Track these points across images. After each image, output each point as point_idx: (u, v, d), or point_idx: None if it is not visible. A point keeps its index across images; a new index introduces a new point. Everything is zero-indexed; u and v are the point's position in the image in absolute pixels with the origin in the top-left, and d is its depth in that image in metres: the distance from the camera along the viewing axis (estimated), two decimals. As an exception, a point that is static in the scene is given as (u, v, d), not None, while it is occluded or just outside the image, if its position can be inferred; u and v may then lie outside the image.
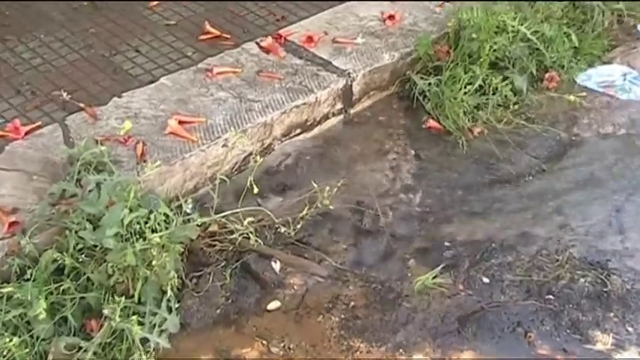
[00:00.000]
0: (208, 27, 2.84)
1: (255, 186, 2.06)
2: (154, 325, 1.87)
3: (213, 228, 2.21)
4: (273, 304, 2.11)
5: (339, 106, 2.73)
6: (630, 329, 2.03)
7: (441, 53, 2.86)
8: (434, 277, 2.14)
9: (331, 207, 2.22)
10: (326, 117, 2.72)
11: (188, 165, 2.36)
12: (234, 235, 2.14)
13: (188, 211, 2.02)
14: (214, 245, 2.20)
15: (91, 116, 2.43)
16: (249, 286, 2.15)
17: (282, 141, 2.61)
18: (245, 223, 2.07)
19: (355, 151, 2.64)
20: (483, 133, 2.68)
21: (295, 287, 2.15)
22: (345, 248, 2.29)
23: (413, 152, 2.66)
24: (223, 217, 2.12)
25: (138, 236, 1.90)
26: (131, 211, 1.90)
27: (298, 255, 2.24)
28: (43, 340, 1.81)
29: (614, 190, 2.46)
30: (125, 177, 2.06)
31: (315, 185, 2.19)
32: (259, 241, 2.12)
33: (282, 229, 2.19)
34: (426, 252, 2.30)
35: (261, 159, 2.27)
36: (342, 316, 2.07)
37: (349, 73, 2.70)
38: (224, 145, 2.40)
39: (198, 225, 2.06)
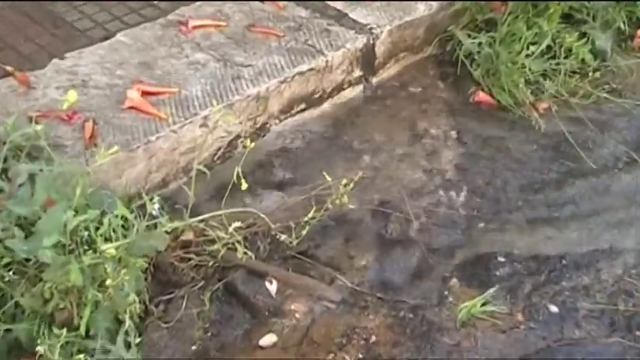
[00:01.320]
0: (182, -37, 2.81)
1: (244, 180, 2.06)
2: (108, 366, 1.85)
3: (188, 236, 2.23)
4: (268, 339, 2.12)
5: (357, 73, 2.74)
6: None
7: (495, 2, 2.88)
8: (483, 304, 2.15)
9: (347, 208, 2.25)
10: (340, 88, 2.73)
11: (154, 151, 2.36)
12: (215, 246, 2.16)
13: (154, 213, 2.06)
14: (189, 259, 2.21)
15: (22, 84, 2.42)
16: (236, 313, 2.16)
17: (280, 120, 2.63)
18: (230, 229, 2.10)
19: (379, 133, 2.66)
20: (551, 109, 2.70)
21: (297, 316, 2.16)
22: (364, 264, 2.30)
23: (455, 135, 2.67)
24: (201, 221, 2.15)
25: (86, 247, 1.90)
26: (77, 213, 1.89)
27: (301, 273, 2.25)
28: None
29: None
30: (69, 166, 2.04)
31: (326, 179, 2.21)
32: (249, 253, 2.14)
33: (281, 238, 2.20)
34: (472, 269, 2.31)
35: (253, 144, 2.26)
36: (360, 355, 2.07)
37: (371, 29, 2.71)
38: (203, 125, 2.41)
39: (167, 232, 2.08)
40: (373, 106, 2.73)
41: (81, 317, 1.90)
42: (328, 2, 2.77)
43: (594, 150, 2.59)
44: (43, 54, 2.48)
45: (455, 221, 2.43)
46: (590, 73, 2.70)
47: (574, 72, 2.73)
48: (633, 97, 2.71)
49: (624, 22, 2.76)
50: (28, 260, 1.89)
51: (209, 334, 2.10)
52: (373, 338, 2.10)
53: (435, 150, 2.63)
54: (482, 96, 2.72)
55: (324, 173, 2.25)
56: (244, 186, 2.08)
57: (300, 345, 2.09)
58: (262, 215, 2.19)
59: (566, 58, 2.69)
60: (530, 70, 2.65)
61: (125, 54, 2.57)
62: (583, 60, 2.70)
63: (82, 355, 1.80)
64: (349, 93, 2.75)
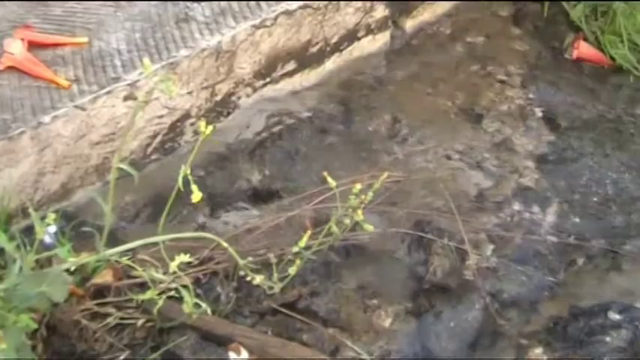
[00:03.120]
0: None
1: (196, 187, 2.00)
2: None
3: (105, 278, 2.25)
4: None
5: (380, 13, 2.76)
6: None
7: None
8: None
9: (363, 232, 2.26)
10: (352, 37, 2.75)
11: (49, 139, 2.35)
12: (148, 294, 2.14)
13: (48, 240, 2.11)
14: (106, 316, 2.21)
15: None
16: (180, 407, 2.16)
17: (254, 89, 2.63)
18: (173, 266, 2.05)
19: (413, 111, 2.66)
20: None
21: (282, 411, 2.14)
22: (389, 325, 2.30)
23: (540, 113, 2.67)
24: (126, 253, 2.17)
25: None
26: None
27: (288, 337, 2.24)
28: None
29: None
30: None
31: (328, 184, 2.19)
32: (203, 305, 2.10)
33: (255, 281, 2.17)
34: (567, 333, 2.29)
35: (210, 128, 2.12)
36: None
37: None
38: (129, 97, 2.41)
39: (70, 272, 2.12)
40: (405, 67, 2.75)
41: None
42: None
43: None
44: None
45: (539, 254, 2.43)
46: None
47: None
48: None
49: None
50: None
51: None
52: None
53: (506, 138, 2.63)
54: (584, 49, 2.74)
55: (325, 175, 2.20)
56: (197, 196, 2.02)
57: None
58: (224, 244, 2.13)
59: None
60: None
61: (3, -19, 2.60)
62: None
63: None
64: (368, 45, 2.77)
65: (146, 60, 2.14)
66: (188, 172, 2.02)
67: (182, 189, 2.03)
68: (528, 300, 2.35)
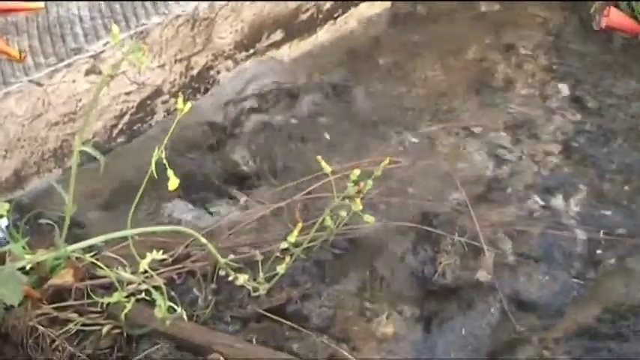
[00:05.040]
0: None
1: (171, 172, 1.98)
2: None
3: (65, 278, 2.18)
4: None
5: None
6: None
7: None
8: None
9: (363, 225, 2.25)
10: (347, 2, 2.77)
11: None
12: (115, 297, 2.08)
13: None
14: (66, 322, 2.14)
15: None
16: None
17: (236, 62, 2.64)
18: (144, 265, 1.99)
19: (420, 86, 2.63)
20: None
21: None
22: (393, 331, 2.22)
23: (566, 89, 2.63)
24: (89, 249, 2.13)
25: None
26: None
27: (276, 346, 2.18)
28: None
29: None
30: None
31: (322, 169, 2.14)
32: (178, 310, 2.04)
33: (238, 281, 2.12)
34: (597, 342, 2.22)
35: (186, 106, 2.06)
36: None
37: None
38: (92, 71, 2.37)
39: (24, 271, 2.05)
40: (409, 38, 2.75)
41: None
42: None
43: None
44: None
45: (563, 251, 2.38)
46: None
47: None
48: None
49: None
50: None
51: None
52: None
53: (525, 119, 2.61)
54: (615, 17, 2.72)
55: (319, 159, 2.15)
56: (173, 183, 1.99)
57: None
58: (203, 239, 2.08)
59: None
60: None
61: None
62: None
63: None
64: (366, 12, 2.79)
65: (114, 27, 2.08)
66: (162, 155, 1.96)
67: (155, 176, 1.97)
68: (552, 304, 2.30)
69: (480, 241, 2.34)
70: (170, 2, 2.53)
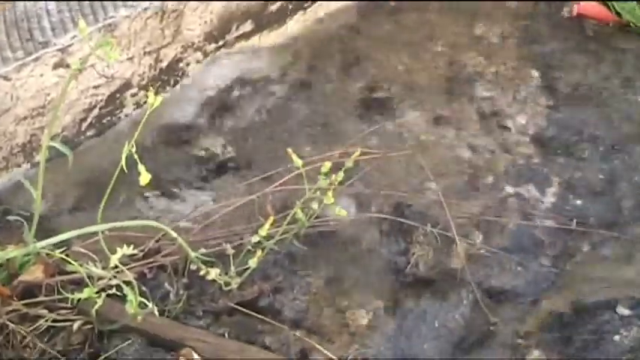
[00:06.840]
0: None
1: (142, 167, 1.99)
2: None
3: (35, 274, 2.20)
4: None
5: None
6: None
7: None
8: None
9: (335, 217, 2.28)
10: None
11: None
12: (85, 292, 2.06)
13: None
14: (36, 318, 2.16)
15: None
16: None
17: (205, 54, 2.62)
18: (115, 260, 2.00)
19: (392, 76, 2.65)
20: None
21: None
22: (366, 323, 2.25)
23: (537, 77, 2.66)
24: (59, 245, 2.13)
25: None
26: None
27: (248, 340, 2.20)
28: None
29: None
30: None
31: (292, 162, 2.16)
32: (150, 304, 2.06)
33: (210, 275, 2.14)
34: (568, 332, 2.25)
35: (157, 99, 2.08)
36: None
37: None
38: (59, 65, 2.38)
39: None
40: (380, 28, 2.73)
41: None
42: None
43: None
44: None
45: (536, 241, 2.41)
46: None
47: None
48: None
49: None
50: None
51: None
52: None
53: (497, 108, 2.63)
54: (586, 5, 2.73)
55: (290, 152, 2.18)
56: (145, 178, 2.00)
57: None
58: (173, 233, 2.10)
59: None
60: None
61: None
62: None
63: None
64: (336, 2, 2.76)
65: (81, 21, 2.10)
66: (132, 149, 1.98)
67: (125, 170, 1.98)
68: (525, 294, 2.33)
69: (453, 234, 2.36)
70: (138, -12, 2.47)
